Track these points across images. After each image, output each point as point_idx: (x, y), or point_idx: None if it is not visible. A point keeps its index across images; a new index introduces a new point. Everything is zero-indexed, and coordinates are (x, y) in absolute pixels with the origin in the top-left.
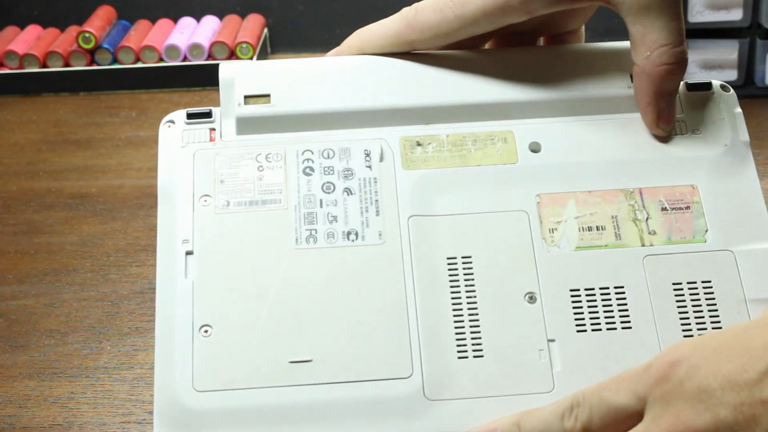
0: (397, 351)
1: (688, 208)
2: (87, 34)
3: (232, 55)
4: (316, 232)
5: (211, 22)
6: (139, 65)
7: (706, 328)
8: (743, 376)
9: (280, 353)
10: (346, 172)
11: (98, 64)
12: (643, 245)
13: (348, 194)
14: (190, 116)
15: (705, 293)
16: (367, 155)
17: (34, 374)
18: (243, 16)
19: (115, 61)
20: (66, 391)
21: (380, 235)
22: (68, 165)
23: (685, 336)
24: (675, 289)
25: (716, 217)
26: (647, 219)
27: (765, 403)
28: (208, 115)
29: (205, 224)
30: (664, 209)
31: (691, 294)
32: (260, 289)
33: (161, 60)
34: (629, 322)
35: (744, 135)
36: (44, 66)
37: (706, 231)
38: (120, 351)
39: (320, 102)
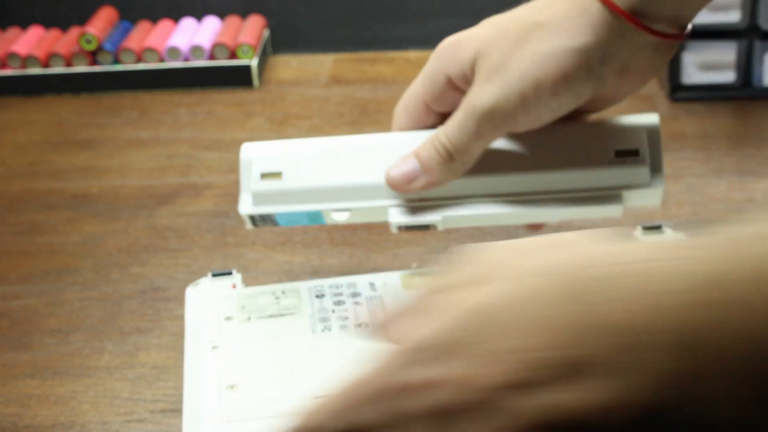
0: None
1: None
2: (89, 36)
3: (232, 55)
4: (330, 325)
5: (212, 22)
6: (141, 66)
7: None
8: None
9: (302, 394)
10: (354, 295)
11: (100, 65)
12: None
13: (357, 305)
14: (214, 275)
15: None
16: (372, 284)
17: (36, 373)
18: (244, 16)
19: (116, 62)
20: (68, 390)
21: None
22: (70, 165)
23: None
24: None
25: None
26: None
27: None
28: (230, 273)
29: (229, 331)
30: None
31: None
32: (282, 360)
33: (162, 61)
34: None
35: None
36: (46, 67)
37: None
38: (121, 350)
39: (327, 178)
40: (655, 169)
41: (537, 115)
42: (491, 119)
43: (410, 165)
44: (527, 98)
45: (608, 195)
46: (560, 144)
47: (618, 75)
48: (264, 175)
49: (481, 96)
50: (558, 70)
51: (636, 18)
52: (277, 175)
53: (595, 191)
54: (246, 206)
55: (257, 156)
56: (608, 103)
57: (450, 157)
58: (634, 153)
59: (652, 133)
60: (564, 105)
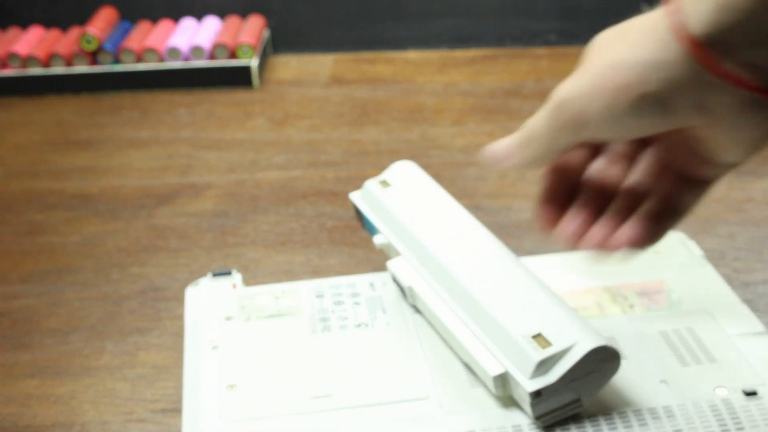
0: (412, 380)
1: (659, 291)
2: (89, 36)
3: (232, 56)
4: (330, 325)
5: (212, 22)
6: (141, 66)
7: (699, 357)
8: None
9: (301, 393)
10: (354, 296)
11: (100, 65)
12: (625, 313)
13: (356, 305)
14: (214, 275)
15: (689, 334)
16: (371, 284)
17: (36, 373)
18: (244, 16)
19: (116, 62)
20: (68, 389)
21: (388, 323)
22: (70, 165)
23: (682, 365)
24: (660, 333)
25: (687, 293)
26: (626, 300)
27: None
28: (229, 273)
29: (229, 332)
30: (640, 294)
31: (676, 335)
32: (281, 360)
33: (162, 61)
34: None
35: (697, 251)
36: (47, 67)
37: (681, 302)
38: (121, 350)
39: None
40: None
41: (606, 120)
42: (563, 109)
43: (502, 144)
44: (593, 97)
45: None
46: None
47: (696, 111)
48: (383, 183)
49: (561, 87)
50: (617, 80)
51: (704, 49)
52: (387, 185)
53: None
54: (355, 195)
55: (400, 172)
56: (710, 160)
57: (527, 140)
58: None
59: None
60: (628, 117)
